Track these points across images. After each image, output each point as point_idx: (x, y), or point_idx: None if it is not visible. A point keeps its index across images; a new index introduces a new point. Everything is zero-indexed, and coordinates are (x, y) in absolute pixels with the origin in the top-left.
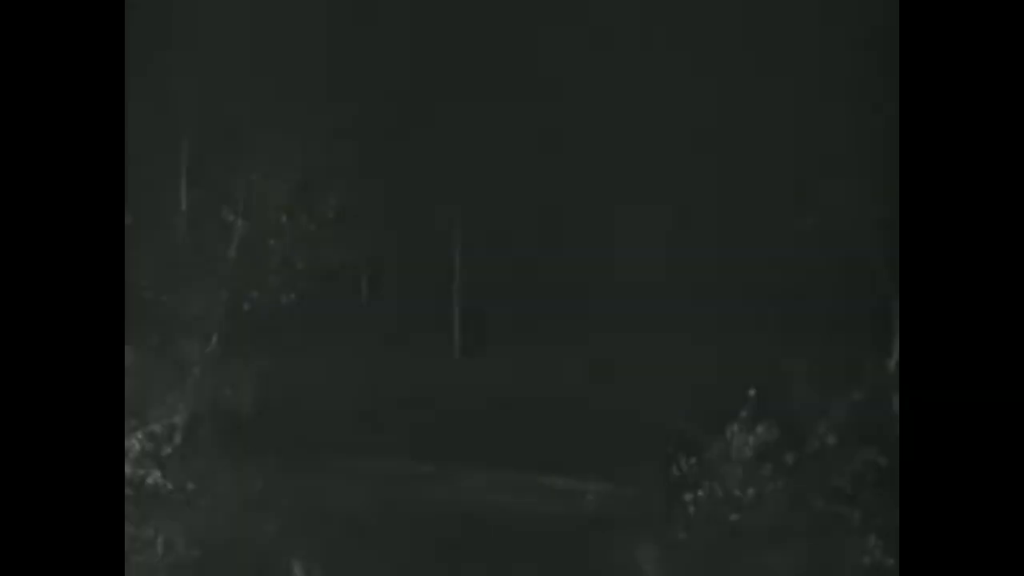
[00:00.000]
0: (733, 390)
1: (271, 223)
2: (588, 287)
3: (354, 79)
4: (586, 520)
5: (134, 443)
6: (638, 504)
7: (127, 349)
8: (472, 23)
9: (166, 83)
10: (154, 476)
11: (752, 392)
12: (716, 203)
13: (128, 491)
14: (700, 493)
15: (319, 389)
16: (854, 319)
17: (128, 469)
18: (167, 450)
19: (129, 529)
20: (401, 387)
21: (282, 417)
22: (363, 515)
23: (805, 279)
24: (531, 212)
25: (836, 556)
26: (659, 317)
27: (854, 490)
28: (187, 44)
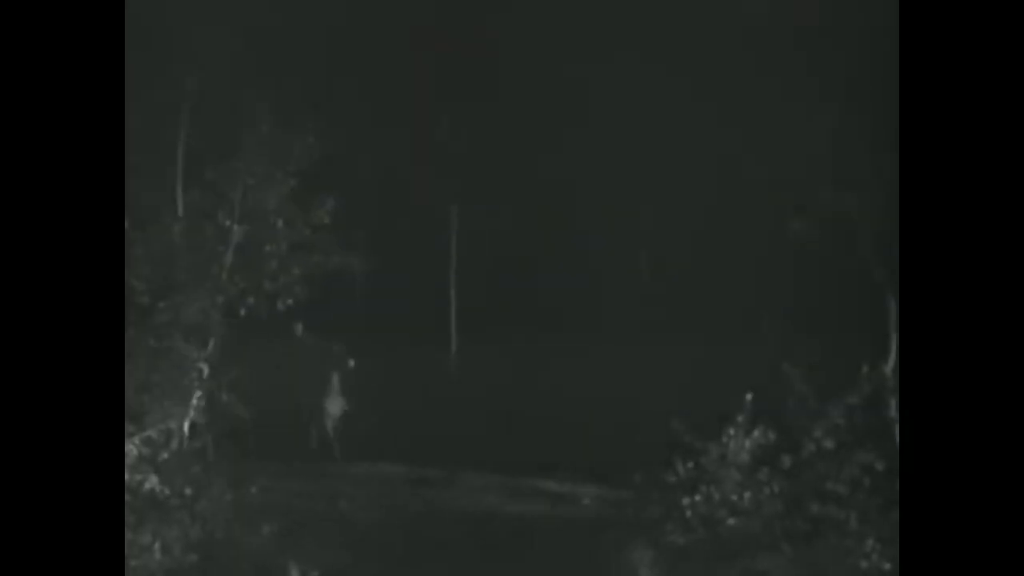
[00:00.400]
0: (730, 394)
1: (267, 228)
2: (586, 290)
3: (352, 83)
4: (583, 524)
5: (131, 448)
6: (635, 508)
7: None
8: (472, 25)
9: (162, 88)
10: (151, 481)
11: (749, 396)
12: (713, 205)
13: (125, 496)
14: (697, 497)
15: (316, 392)
16: (851, 322)
17: (125, 475)
18: (164, 455)
19: (126, 534)
20: (397, 391)
21: (279, 421)
22: (360, 519)
23: (801, 281)
24: (529, 214)
25: (833, 560)
26: (656, 320)
27: (851, 494)
28: (186, 46)
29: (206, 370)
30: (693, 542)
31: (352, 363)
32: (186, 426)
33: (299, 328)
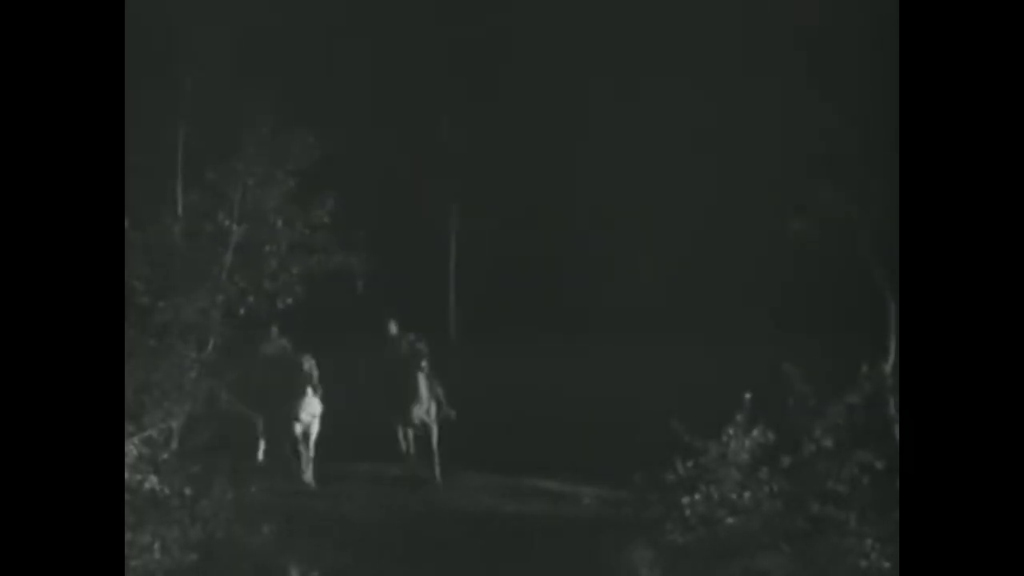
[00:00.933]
0: (729, 393)
1: (267, 228)
2: (585, 290)
3: (352, 83)
4: (583, 524)
5: (131, 448)
6: (635, 508)
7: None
8: (472, 25)
9: (162, 88)
10: (151, 481)
11: (748, 395)
12: (713, 205)
13: (125, 496)
14: (697, 496)
15: (403, 396)
16: (851, 322)
17: (125, 474)
18: (164, 455)
19: (126, 534)
20: (396, 391)
21: (279, 420)
22: (360, 519)
23: (801, 281)
24: (529, 214)
25: (832, 559)
26: (655, 319)
27: (850, 493)
28: (186, 46)
29: (314, 369)
30: (693, 541)
31: (425, 364)
32: (185, 425)
33: (393, 327)
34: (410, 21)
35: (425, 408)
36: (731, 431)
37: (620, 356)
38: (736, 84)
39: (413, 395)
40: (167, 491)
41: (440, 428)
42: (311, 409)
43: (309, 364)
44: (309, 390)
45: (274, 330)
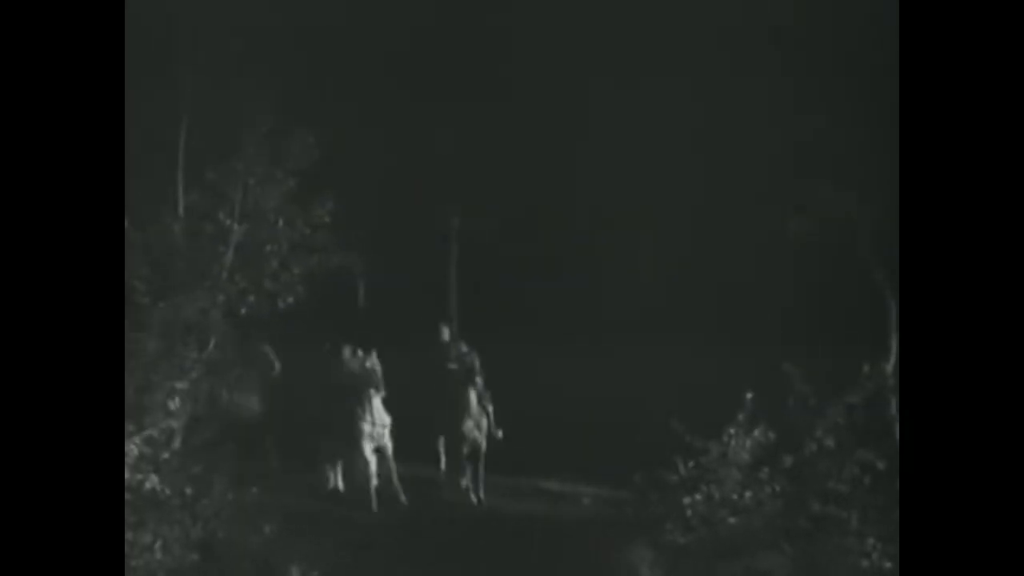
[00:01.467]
0: (730, 393)
1: (267, 227)
2: (585, 290)
3: (352, 82)
4: (583, 524)
5: (132, 448)
6: (635, 508)
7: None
8: (471, 25)
9: (163, 88)
10: (152, 481)
11: (749, 395)
12: (713, 205)
13: (126, 496)
14: (698, 497)
15: (316, 392)
16: (851, 322)
17: (126, 474)
18: (165, 455)
19: (127, 534)
20: (395, 391)
21: (279, 420)
22: (361, 519)
23: (801, 281)
24: (529, 214)
25: (833, 559)
26: (655, 319)
27: (851, 493)
28: (186, 46)
29: (377, 366)
30: (694, 541)
31: (480, 381)
32: (186, 425)
33: (445, 332)
34: (410, 21)
35: (474, 423)
36: (732, 431)
37: (620, 356)
38: (736, 84)
39: (463, 409)
40: (168, 491)
41: (488, 446)
42: (380, 418)
43: (372, 362)
44: (372, 391)
45: (347, 350)
